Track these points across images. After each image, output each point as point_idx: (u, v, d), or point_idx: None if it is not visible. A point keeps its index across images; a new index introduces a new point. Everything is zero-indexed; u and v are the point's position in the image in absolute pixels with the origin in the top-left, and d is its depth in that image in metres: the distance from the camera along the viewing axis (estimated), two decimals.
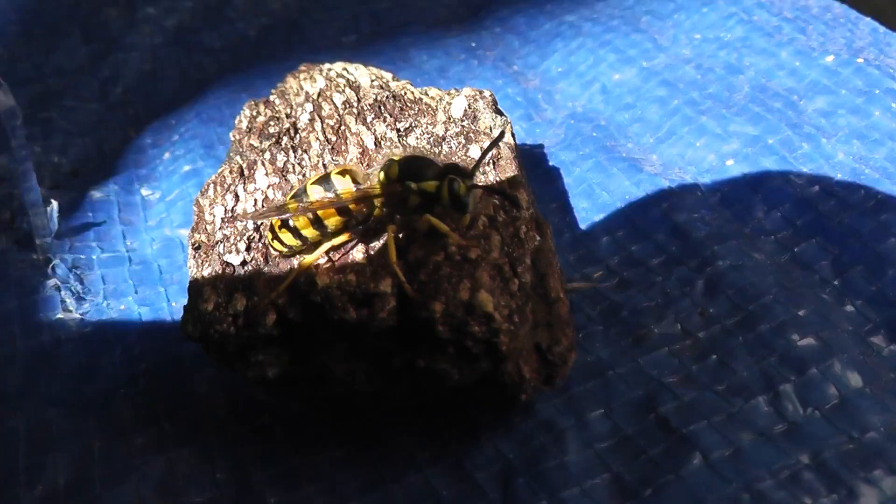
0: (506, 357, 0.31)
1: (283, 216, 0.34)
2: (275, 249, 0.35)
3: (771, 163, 0.47)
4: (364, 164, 0.38)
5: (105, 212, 0.50)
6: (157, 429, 0.38)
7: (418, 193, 0.34)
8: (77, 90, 0.59)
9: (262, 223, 0.37)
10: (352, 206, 0.34)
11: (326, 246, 0.34)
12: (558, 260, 0.37)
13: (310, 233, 0.34)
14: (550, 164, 0.49)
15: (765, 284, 0.40)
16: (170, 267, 0.46)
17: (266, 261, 0.36)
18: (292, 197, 0.36)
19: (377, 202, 0.34)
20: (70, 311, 0.44)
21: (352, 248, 0.35)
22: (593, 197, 0.46)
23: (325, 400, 0.37)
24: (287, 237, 0.34)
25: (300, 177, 0.39)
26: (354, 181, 0.34)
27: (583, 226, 0.45)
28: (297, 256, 0.35)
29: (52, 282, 0.45)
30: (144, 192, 0.52)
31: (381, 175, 0.34)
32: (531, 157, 0.49)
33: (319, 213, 0.34)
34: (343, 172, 0.35)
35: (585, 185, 0.47)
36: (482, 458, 0.35)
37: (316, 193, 0.34)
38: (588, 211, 0.46)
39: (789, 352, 0.37)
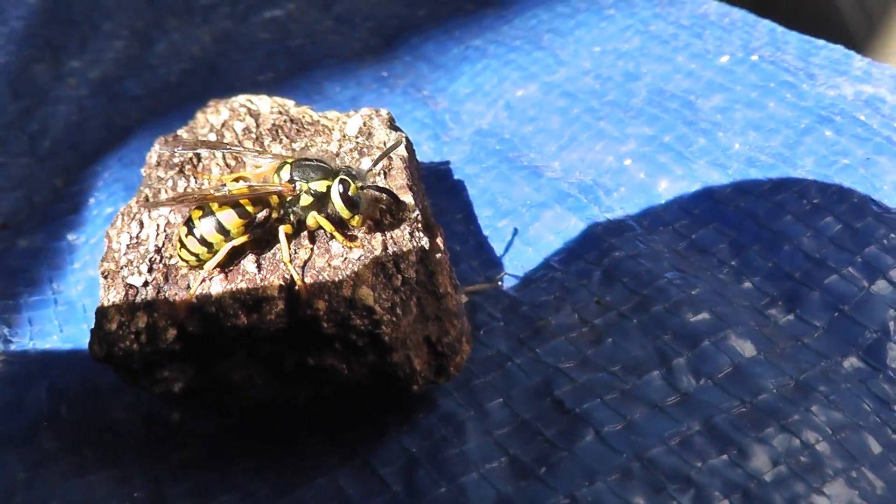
0: (391, 348, 0.33)
1: (180, 204, 0.36)
2: (182, 259, 0.36)
3: (667, 158, 0.48)
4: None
5: (32, 259, 0.51)
6: (79, 456, 0.39)
7: (310, 193, 0.35)
8: (7, 146, 0.60)
9: (167, 243, 0.38)
10: (248, 207, 0.35)
11: (227, 247, 0.35)
12: (449, 260, 0.38)
13: (214, 238, 0.35)
14: (456, 177, 0.50)
15: (660, 269, 0.42)
16: (93, 305, 0.47)
17: (166, 279, 0.37)
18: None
19: (273, 202, 0.36)
20: None
21: (243, 258, 0.36)
22: (496, 205, 0.48)
23: (232, 411, 0.38)
24: (192, 243, 0.35)
25: None
26: (250, 185, 0.36)
27: (486, 232, 0.46)
28: (196, 273, 0.36)
29: None
30: (70, 237, 0.53)
31: (275, 177, 0.36)
32: (438, 173, 0.51)
33: (219, 216, 0.35)
34: (238, 179, 0.36)
35: (489, 194, 0.48)
36: (387, 454, 0.36)
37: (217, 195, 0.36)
38: (491, 218, 0.47)
39: (683, 328, 0.39)
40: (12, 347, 0.45)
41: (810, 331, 0.40)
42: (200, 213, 0.36)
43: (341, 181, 0.35)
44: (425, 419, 0.37)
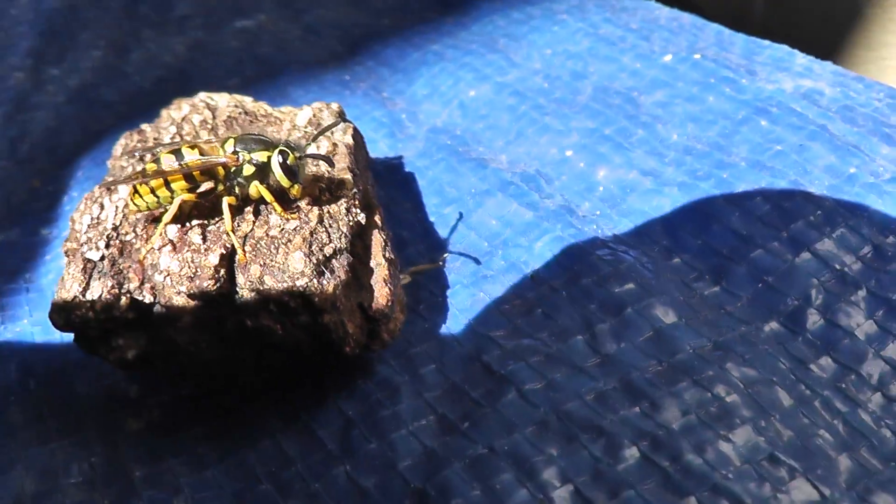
0: (320, 309, 0.35)
1: (139, 181, 0.39)
2: (134, 204, 0.40)
3: (607, 149, 0.51)
4: None
5: (7, 252, 0.54)
6: (43, 426, 0.41)
7: (252, 163, 0.38)
8: None
9: (124, 222, 0.41)
10: (197, 175, 0.39)
11: (177, 201, 0.38)
12: (388, 236, 0.41)
13: (162, 192, 0.39)
14: (407, 170, 0.53)
15: (592, 247, 0.44)
16: None
17: (121, 253, 0.39)
18: (152, 161, 0.40)
19: (220, 174, 0.39)
20: None
21: (190, 231, 0.38)
22: (443, 194, 0.50)
23: (184, 378, 0.41)
24: (143, 191, 0.39)
25: None
26: (202, 154, 0.39)
27: (433, 218, 0.49)
28: (147, 245, 0.39)
29: None
30: (44, 231, 0.55)
31: (221, 150, 0.39)
32: (391, 167, 0.53)
33: (169, 178, 0.39)
34: (193, 147, 0.40)
35: (437, 184, 0.51)
36: (326, 417, 0.38)
37: (167, 161, 0.39)
38: (438, 206, 0.50)
39: (609, 298, 0.41)
40: None
41: (734, 300, 0.42)
42: (154, 166, 0.39)
43: (281, 151, 0.38)
44: (363, 384, 0.39)
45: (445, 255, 0.46)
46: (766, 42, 0.60)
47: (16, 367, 0.45)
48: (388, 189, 0.51)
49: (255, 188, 0.38)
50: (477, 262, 0.45)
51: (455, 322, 0.42)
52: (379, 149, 0.55)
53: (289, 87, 0.63)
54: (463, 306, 0.42)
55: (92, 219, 0.42)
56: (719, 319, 0.41)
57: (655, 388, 0.37)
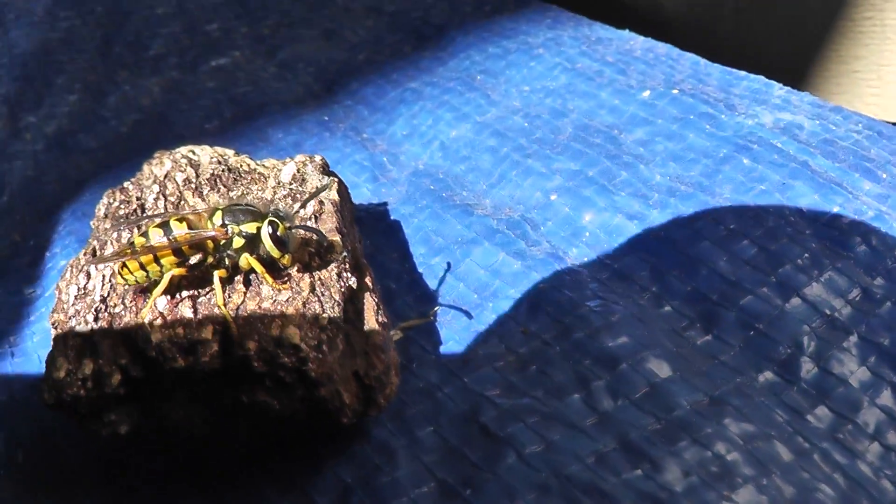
0: (317, 382, 0.35)
1: (126, 258, 0.38)
2: (122, 277, 0.39)
3: (591, 192, 0.51)
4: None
5: None
6: (34, 501, 0.41)
7: (241, 235, 0.38)
8: None
9: (112, 293, 0.41)
10: (185, 249, 0.38)
11: (168, 275, 0.38)
12: (379, 297, 0.41)
13: (152, 268, 0.38)
14: (392, 218, 0.53)
15: (582, 298, 0.44)
16: None
17: (111, 326, 0.39)
18: (140, 235, 0.40)
19: (209, 247, 0.39)
20: None
21: (181, 303, 0.38)
22: (429, 243, 0.50)
23: (177, 450, 0.40)
24: (132, 266, 0.38)
25: None
26: (190, 228, 0.39)
27: (421, 269, 0.49)
28: (138, 302, 0.38)
29: None
30: (27, 291, 0.54)
31: (209, 222, 0.39)
32: (375, 214, 0.53)
33: (158, 253, 0.38)
34: (181, 220, 0.39)
35: (423, 233, 0.51)
36: (324, 484, 0.38)
37: (156, 236, 0.39)
38: (425, 256, 0.50)
39: (602, 353, 0.41)
40: None
41: (726, 349, 0.42)
42: (143, 240, 0.39)
43: (270, 222, 0.38)
44: (360, 449, 0.39)
45: (436, 308, 0.46)
46: (743, 73, 0.61)
47: (4, 438, 0.44)
48: (373, 238, 0.51)
49: (246, 260, 0.38)
50: (468, 315, 0.45)
51: (449, 380, 0.42)
52: (362, 194, 0.55)
53: (268, 129, 0.62)
54: (456, 364, 0.42)
55: (79, 289, 0.42)
56: (713, 370, 0.41)
57: (655, 447, 0.37)
